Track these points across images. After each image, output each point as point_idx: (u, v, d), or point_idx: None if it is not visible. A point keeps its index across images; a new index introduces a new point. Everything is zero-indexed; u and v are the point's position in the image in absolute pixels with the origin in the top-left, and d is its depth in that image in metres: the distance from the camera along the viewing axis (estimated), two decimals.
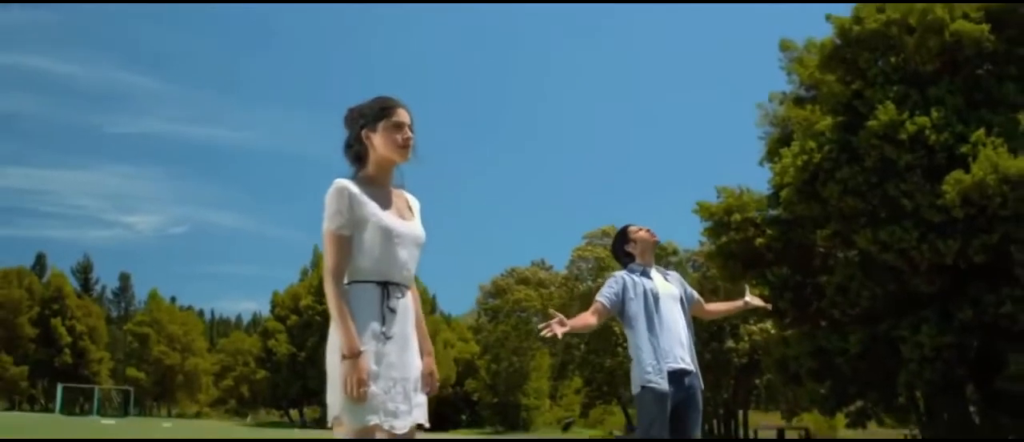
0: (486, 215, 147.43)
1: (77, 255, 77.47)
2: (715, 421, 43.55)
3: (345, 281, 3.05)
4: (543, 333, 4.51)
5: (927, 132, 15.38)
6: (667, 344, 4.94)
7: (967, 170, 14.56)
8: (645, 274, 5.17)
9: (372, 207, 3.06)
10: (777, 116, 20.57)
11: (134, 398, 63.40)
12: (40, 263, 78.36)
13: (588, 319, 4.98)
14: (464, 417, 58.50)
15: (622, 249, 5.35)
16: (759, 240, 18.12)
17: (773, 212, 18.56)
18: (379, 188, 3.16)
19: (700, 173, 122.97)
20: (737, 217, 18.44)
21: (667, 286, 5.20)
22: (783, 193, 17.48)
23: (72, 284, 73.33)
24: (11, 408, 62.40)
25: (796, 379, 18.02)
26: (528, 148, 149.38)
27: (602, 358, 44.41)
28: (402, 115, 3.18)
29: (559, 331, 4.50)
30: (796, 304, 18.12)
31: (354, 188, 3.06)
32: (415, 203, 3.32)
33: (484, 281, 57.56)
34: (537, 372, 51.46)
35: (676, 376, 4.87)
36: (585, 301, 47.79)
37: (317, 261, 63.04)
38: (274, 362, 56.46)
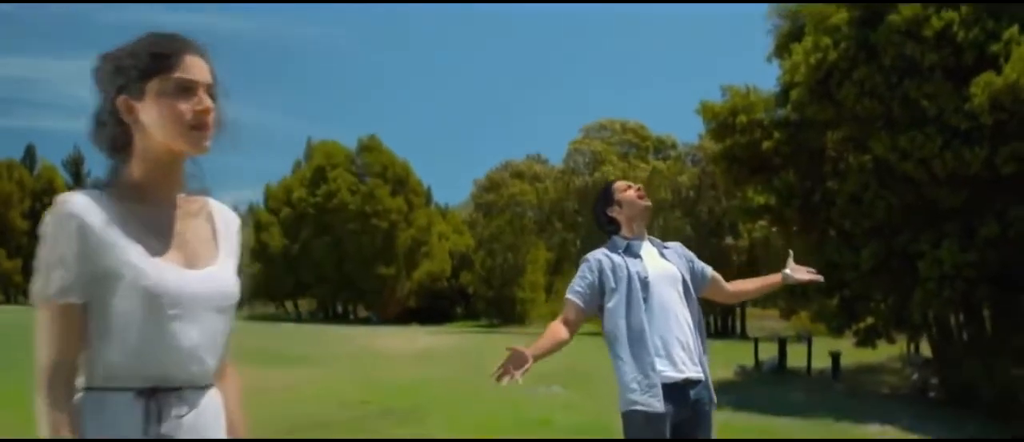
0: (481, 104, 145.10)
1: (68, 147, 75.93)
2: (713, 318, 43.14)
3: (76, 389, 1.57)
4: (495, 379, 3.30)
5: (954, 29, 13.99)
6: (661, 347, 3.57)
7: (998, 71, 13.24)
8: (631, 251, 3.74)
9: (128, 249, 1.58)
10: (787, 8, 18.96)
11: None
12: (29, 155, 76.99)
13: (559, 335, 3.63)
14: (459, 310, 58.56)
15: (604, 213, 3.91)
16: (766, 143, 16.88)
17: (781, 113, 17.27)
18: (150, 205, 1.67)
19: (701, 64, 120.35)
20: (743, 118, 17.13)
21: (662, 265, 3.75)
22: (793, 93, 16.15)
23: (63, 177, 72.37)
24: (7, 301, 62.29)
25: (802, 294, 17.03)
26: (523, 37, 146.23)
27: None
28: (192, 67, 1.66)
29: (519, 376, 3.28)
30: (804, 213, 16.99)
31: (93, 214, 1.57)
32: (227, 224, 1.85)
33: (478, 173, 56.75)
34: (533, 266, 51.05)
35: (676, 390, 3.54)
36: (581, 196, 47.16)
37: (310, 152, 61.60)
38: (268, 255, 55.81)
